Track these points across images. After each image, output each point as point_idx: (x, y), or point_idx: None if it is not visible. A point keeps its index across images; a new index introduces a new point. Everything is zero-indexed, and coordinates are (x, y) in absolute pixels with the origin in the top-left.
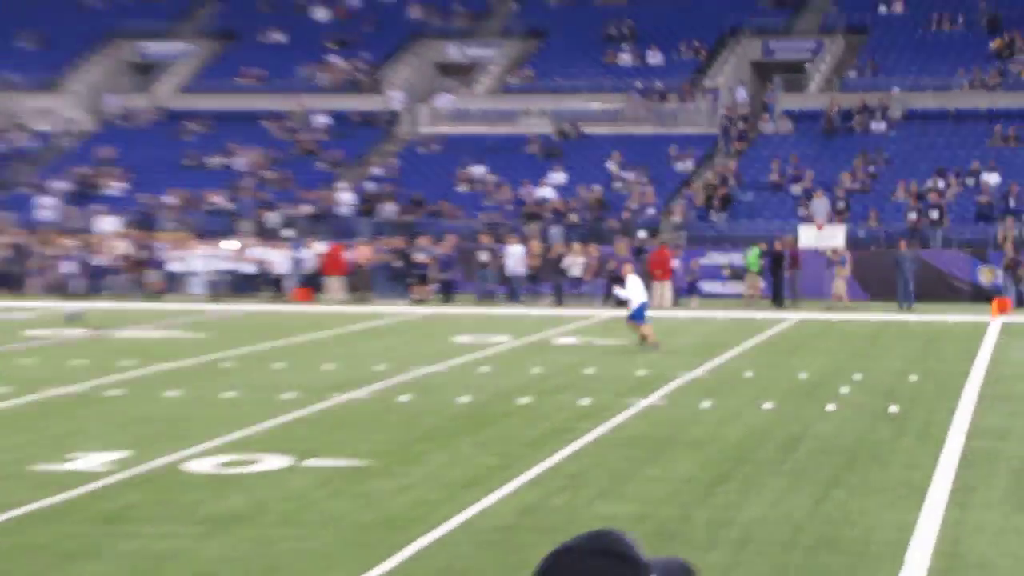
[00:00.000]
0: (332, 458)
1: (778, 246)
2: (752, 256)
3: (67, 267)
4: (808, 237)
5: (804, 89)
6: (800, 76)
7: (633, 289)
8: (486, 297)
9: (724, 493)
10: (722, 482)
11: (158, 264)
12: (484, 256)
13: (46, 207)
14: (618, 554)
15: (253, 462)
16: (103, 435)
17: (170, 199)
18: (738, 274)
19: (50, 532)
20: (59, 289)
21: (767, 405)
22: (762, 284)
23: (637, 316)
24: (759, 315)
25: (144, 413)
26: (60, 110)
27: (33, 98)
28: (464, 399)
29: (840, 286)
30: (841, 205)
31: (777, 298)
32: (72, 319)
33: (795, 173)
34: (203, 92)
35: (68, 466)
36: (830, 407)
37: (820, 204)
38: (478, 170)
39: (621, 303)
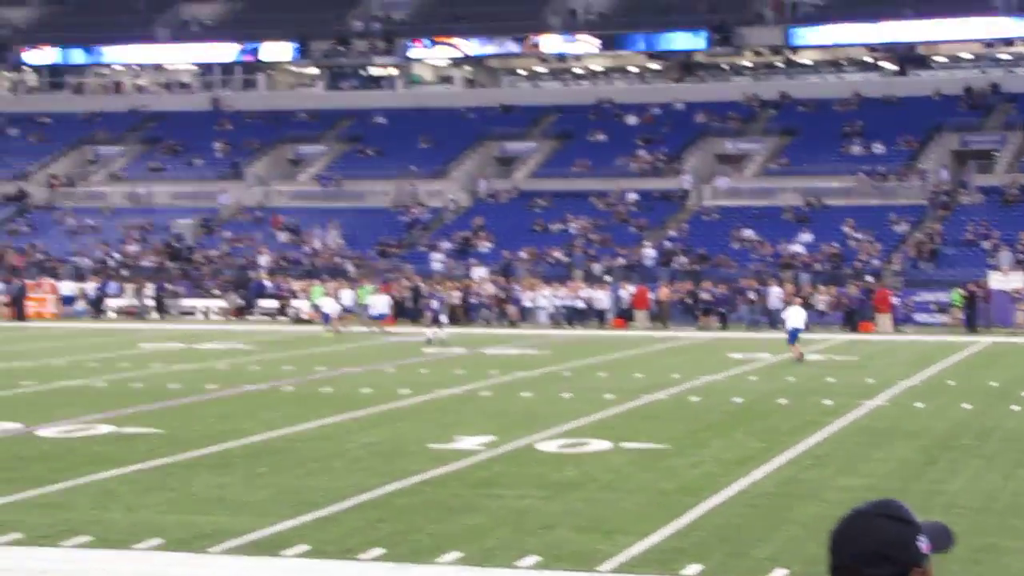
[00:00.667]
0: (641, 442)
1: (972, 287)
2: (955, 295)
3: (434, 303)
4: (996, 280)
5: (992, 170)
6: (989, 161)
7: (793, 316)
8: (753, 325)
9: (934, 471)
10: (932, 463)
11: (516, 301)
12: (751, 295)
13: (436, 260)
14: (898, 517)
15: (584, 444)
16: (477, 423)
17: (523, 254)
18: (943, 308)
19: (441, 493)
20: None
21: (966, 405)
22: (961, 316)
23: (792, 338)
24: (959, 339)
25: (506, 408)
26: (446, 191)
27: (427, 183)
28: (737, 399)
29: (1021, 316)
30: (1021, 256)
31: (972, 326)
32: (432, 342)
33: (985, 233)
34: (548, 177)
35: (452, 445)
36: (1015, 407)
37: (1004, 256)
38: (747, 232)
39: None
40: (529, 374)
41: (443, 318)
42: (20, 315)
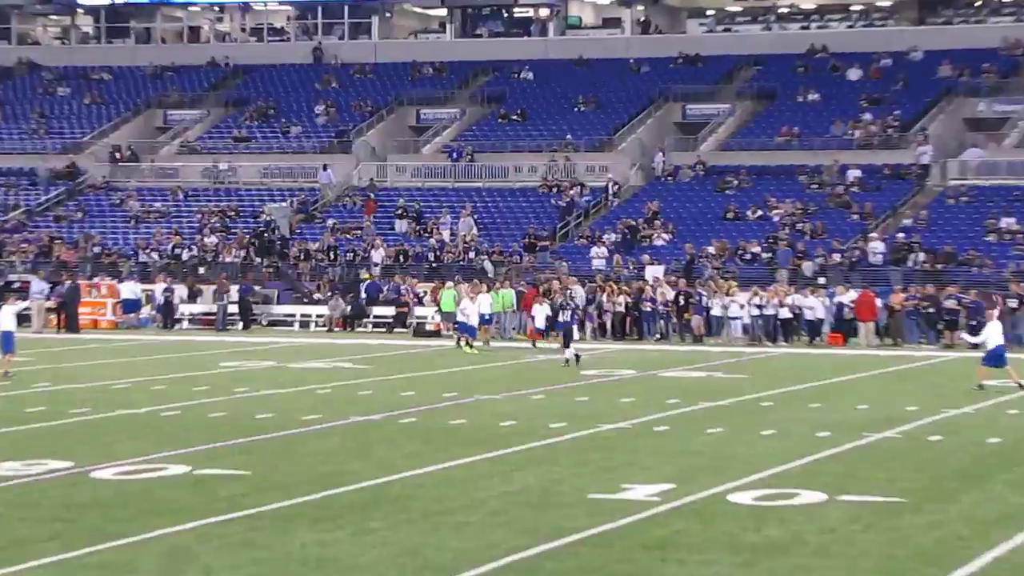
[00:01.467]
0: (866, 494)
1: None
2: None
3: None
4: None
5: None
6: None
7: (990, 333)
8: (1012, 342)
9: None
10: None
11: (701, 309)
12: (1013, 303)
13: (598, 257)
14: None
15: (791, 496)
16: (651, 467)
17: (711, 249)
18: None
19: (605, 556)
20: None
21: None
22: None
23: (989, 361)
24: None
25: (689, 447)
26: (612, 168)
27: (588, 157)
28: (994, 440)
29: None
30: None
31: None
32: (568, 364)
33: None
34: (743, 149)
35: (620, 495)
36: None
37: None
38: (1007, 221)
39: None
40: (718, 404)
41: (576, 334)
42: (72, 324)
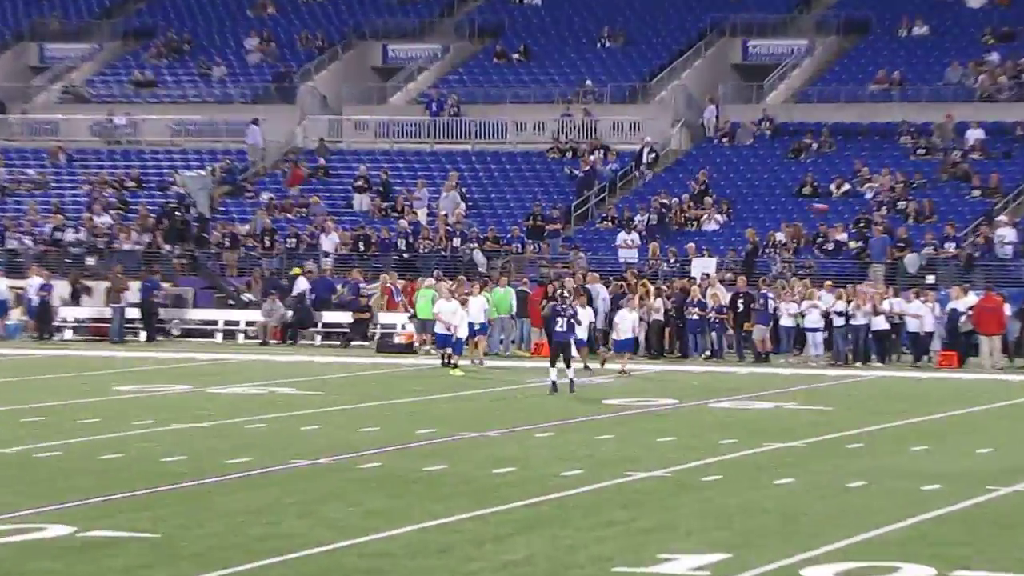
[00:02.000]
0: (989, 570)
1: None
2: None
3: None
4: None
5: None
6: None
7: None
8: None
9: None
10: None
11: (766, 317)
12: None
13: (626, 245)
14: None
15: (887, 571)
16: (699, 530)
17: (781, 235)
18: None
19: None
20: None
21: None
22: None
23: None
24: None
25: (749, 504)
26: (645, 124)
27: (612, 109)
28: None
29: None
30: None
31: None
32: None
33: None
34: (823, 101)
35: (656, 568)
36: None
37: None
38: None
39: None
40: (790, 445)
41: (575, 350)
42: None
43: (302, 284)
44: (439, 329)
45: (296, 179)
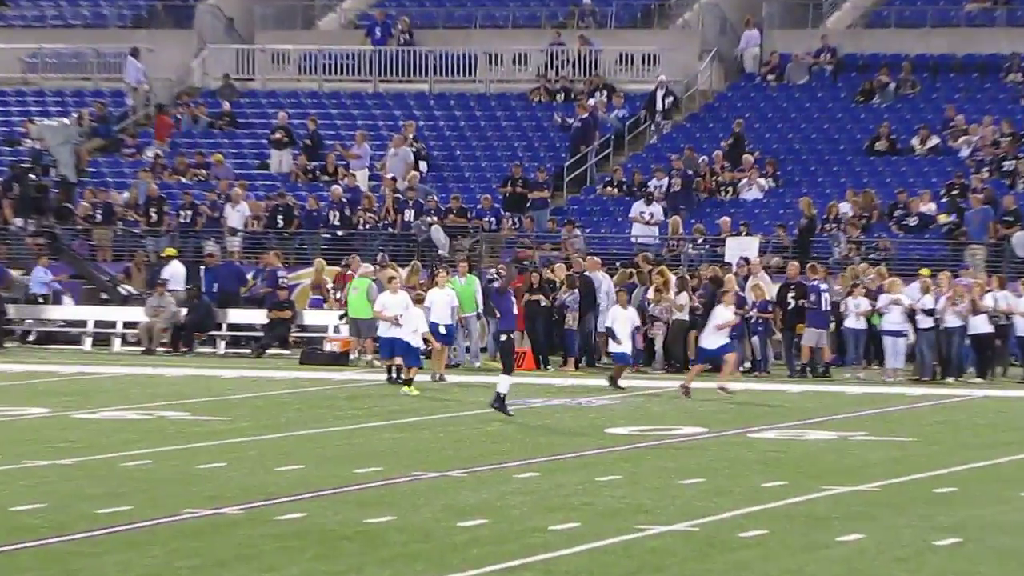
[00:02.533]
0: None
1: None
2: None
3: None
4: None
5: None
6: None
7: None
8: None
9: None
10: None
11: (821, 318)
12: None
13: (644, 220)
14: None
15: None
16: None
17: (845, 206)
18: None
19: None
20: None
21: None
22: None
23: None
24: None
25: (804, 568)
26: (664, 58)
27: (622, 38)
28: None
29: None
30: None
31: None
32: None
33: None
34: (899, 25)
35: None
36: None
37: None
38: None
39: None
40: (856, 490)
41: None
42: None
43: (178, 271)
44: (383, 332)
45: (164, 129)
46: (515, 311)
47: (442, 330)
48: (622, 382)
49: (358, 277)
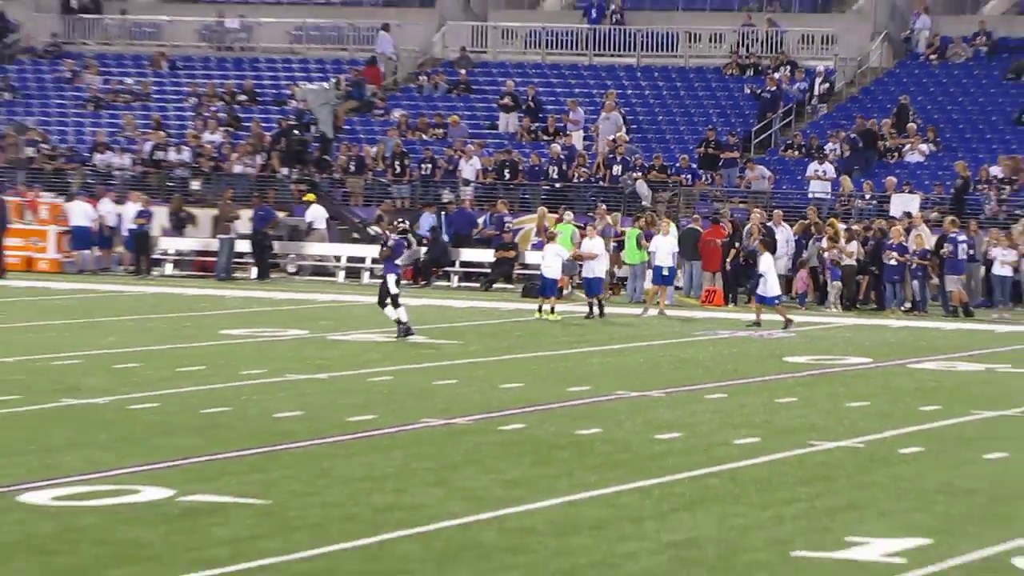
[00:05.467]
0: None
1: None
2: None
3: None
4: None
5: None
6: None
7: None
8: None
9: None
10: None
11: (960, 266)
12: None
13: (817, 177)
14: None
15: None
16: (895, 511)
17: (996, 169)
18: None
19: None
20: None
21: None
22: None
23: None
24: None
25: (954, 481)
26: (841, 39)
27: (803, 21)
28: None
29: None
30: None
31: None
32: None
33: None
34: None
35: (844, 554)
36: None
37: None
38: None
39: None
40: (1003, 415)
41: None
42: None
43: (319, 212)
44: (587, 272)
45: (376, 78)
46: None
47: (665, 272)
48: (791, 316)
49: (563, 223)
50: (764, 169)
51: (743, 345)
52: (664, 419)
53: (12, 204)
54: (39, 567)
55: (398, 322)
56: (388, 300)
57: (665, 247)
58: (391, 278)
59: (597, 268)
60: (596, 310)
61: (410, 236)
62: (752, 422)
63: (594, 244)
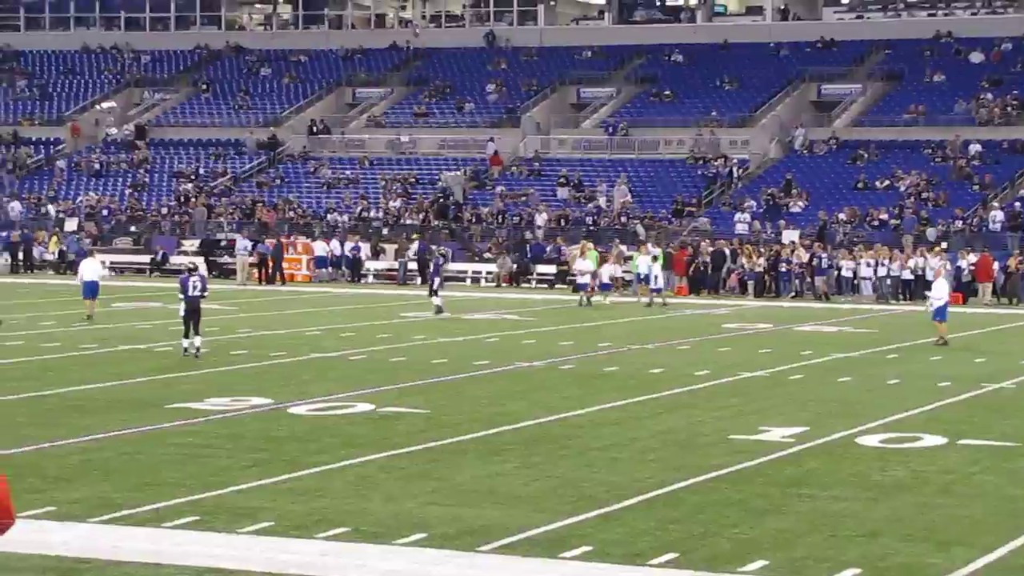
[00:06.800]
0: (984, 438)
1: None
2: None
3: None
4: None
5: None
6: None
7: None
8: None
9: None
10: None
11: (824, 270)
12: None
13: (740, 222)
14: None
15: (914, 439)
16: (787, 412)
17: (843, 215)
18: None
19: (744, 491)
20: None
21: None
22: None
23: (938, 314)
24: None
25: (821, 394)
26: (753, 141)
27: (731, 132)
28: None
29: None
30: None
31: None
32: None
33: None
34: (874, 125)
35: (757, 437)
36: None
37: None
38: None
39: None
40: (848, 355)
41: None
42: (272, 277)
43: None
44: (605, 279)
45: (496, 163)
46: None
47: (642, 276)
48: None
49: (590, 251)
50: (707, 220)
51: (698, 319)
52: (654, 360)
53: (284, 244)
54: (299, 449)
55: (437, 307)
56: (434, 292)
57: (643, 262)
58: (436, 280)
59: (605, 276)
60: (607, 300)
61: (440, 257)
62: (704, 361)
63: (605, 268)
